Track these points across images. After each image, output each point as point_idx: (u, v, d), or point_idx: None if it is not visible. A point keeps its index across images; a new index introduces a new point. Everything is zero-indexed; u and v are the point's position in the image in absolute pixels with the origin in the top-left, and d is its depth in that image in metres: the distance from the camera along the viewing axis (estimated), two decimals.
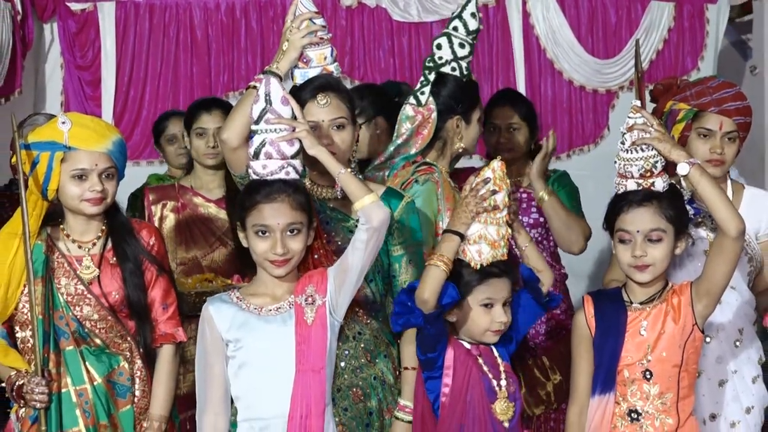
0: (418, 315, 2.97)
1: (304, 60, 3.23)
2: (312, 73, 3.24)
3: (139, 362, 3.24)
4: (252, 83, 3.20)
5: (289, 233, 2.97)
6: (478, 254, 3.01)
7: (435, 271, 2.96)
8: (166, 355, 3.29)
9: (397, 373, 3.27)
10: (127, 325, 3.24)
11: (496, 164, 3.02)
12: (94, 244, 3.25)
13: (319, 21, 3.22)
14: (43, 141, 3.17)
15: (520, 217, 4.10)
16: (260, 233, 2.98)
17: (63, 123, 3.15)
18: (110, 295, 3.21)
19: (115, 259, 3.24)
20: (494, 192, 3.00)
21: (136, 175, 5.24)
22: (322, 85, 3.22)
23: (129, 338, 3.24)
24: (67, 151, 3.14)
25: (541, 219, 4.21)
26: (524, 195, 4.28)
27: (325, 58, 3.24)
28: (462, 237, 3.01)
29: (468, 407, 3.02)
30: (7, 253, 3.18)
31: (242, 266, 3.94)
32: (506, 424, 3.03)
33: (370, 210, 2.94)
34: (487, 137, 4.39)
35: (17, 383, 3.12)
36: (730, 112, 3.45)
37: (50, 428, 3.13)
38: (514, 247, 3.19)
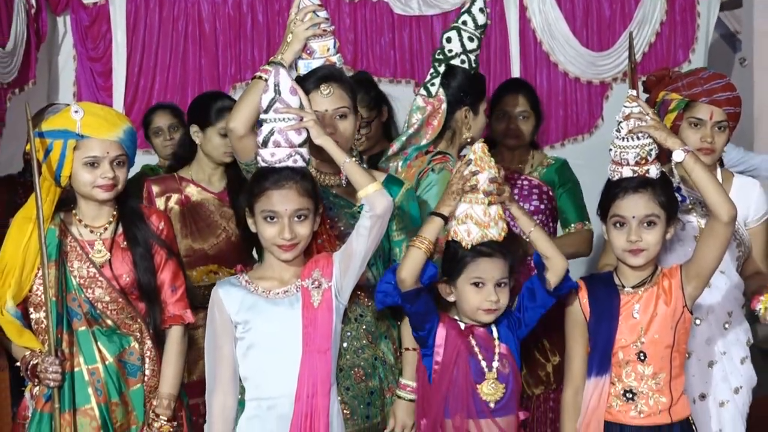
0: (394, 294, 3.00)
1: (308, 51, 3.23)
2: (315, 64, 3.24)
3: (149, 342, 3.25)
4: (258, 73, 3.20)
5: (296, 219, 2.98)
6: (467, 234, 3.03)
7: (415, 253, 2.98)
8: (174, 335, 3.29)
9: (398, 353, 3.28)
10: (137, 306, 3.25)
11: (478, 146, 3.04)
12: (106, 229, 3.25)
13: (323, 14, 3.22)
14: (56, 129, 3.17)
15: (521, 203, 4.11)
16: (269, 219, 2.98)
17: (76, 112, 3.15)
18: (121, 277, 3.22)
19: (125, 243, 3.24)
20: (475, 173, 3.01)
21: (147, 162, 5.29)
22: (325, 75, 3.22)
23: (139, 319, 3.24)
24: (79, 139, 3.14)
25: (542, 206, 4.21)
26: (525, 182, 4.26)
27: (328, 50, 3.24)
28: (445, 219, 3.02)
29: (453, 385, 3.04)
30: (22, 237, 3.18)
31: (245, 255, 3.96)
32: (492, 405, 3.04)
33: (373, 198, 2.94)
34: (495, 124, 4.37)
35: (32, 362, 3.13)
36: (720, 102, 3.44)
37: (63, 406, 3.13)
38: (520, 231, 3.19)
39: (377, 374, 3.22)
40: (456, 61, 3.63)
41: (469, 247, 3.02)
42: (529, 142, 4.42)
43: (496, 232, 3.03)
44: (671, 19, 7.25)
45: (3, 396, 3.56)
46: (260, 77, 3.17)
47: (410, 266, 2.98)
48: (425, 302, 3.04)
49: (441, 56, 3.65)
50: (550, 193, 4.26)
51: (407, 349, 3.26)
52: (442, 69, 3.63)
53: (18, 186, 4.60)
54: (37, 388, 3.18)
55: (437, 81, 3.61)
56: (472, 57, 3.64)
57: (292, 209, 2.97)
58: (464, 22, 3.64)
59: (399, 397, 3.22)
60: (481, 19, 3.64)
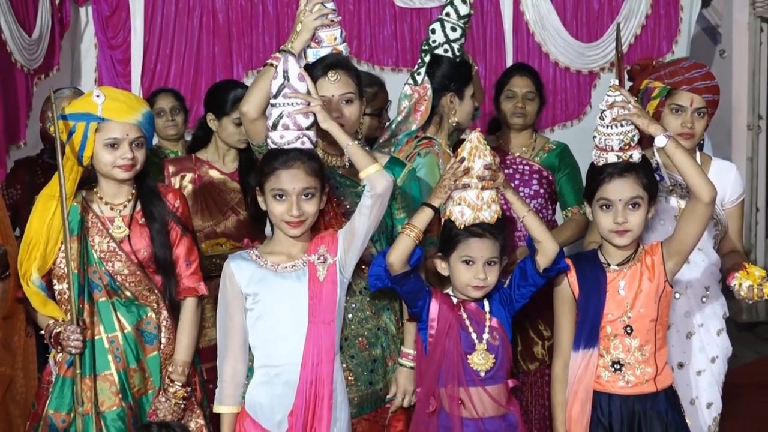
0: (385, 277, 3.00)
1: (316, 40, 3.22)
2: (323, 52, 3.23)
3: (165, 313, 3.25)
4: (268, 61, 3.20)
5: (304, 197, 2.99)
6: (461, 215, 3.03)
7: (404, 239, 2.98)
8: (189, 306, 3.29)
9: (400, 324, 3.29)
10: (154, 279, 3.25)
11: (474, 135, 3.04)
12: (125, 206, 3.25)
13: (330, 5, 3.20)
14: (79, 112, 3.16)
15: (520, 188, 4.10)
16: (278, 197, 2.99)
17: (97, 96, 3.14)
18: (139, 252, 3.22)
19: (143, 219, 3.24)
20: (467, 170, 3.01)
21: None
22: (332, 63, 3.21)
23: (156, 291, 3.24)
24: (101, 122, 3.13)
25: (541, 190, 4.18)
26: (527, 167, 4.22)
27: (335, 39, 3.22)
28: (435, 210, 3.02)
29: (445, 356, 3.04)
30: (46, 214, 3.18)
31: (253, 232, 3.96)
32: (482, 374, 3.04)
33: (374, 178, 2.95)
34: (504, 104, 4.33)
35: (55, 331, 3.13)
36: (700, 90, 3.43)
37: (84, 371, 3.14)
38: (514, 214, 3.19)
39: (380, 343, 3.22)
40: (440, 51, 3.62)
41: (463, 227, 3.03)
42: (533, 124, 4.40)
43: (488, 215, 3.03)
44: (656, 13, 7.25)
45: (30, 361, 3.56)
46: (271, 64, 3.17)
47: (399, 252, 2.98)
48: (414, 282, 3.05)
49: (426, 47, 3.65)
50: (550, 178, 4.23)
51: (408, 319, 3.26)
52: (427, 59, 3.62)
53: (37, 167, 4.59)
54: (60, 354, 3.19)
55: (423, 70, 3.61)
56: (456, 46, 3.63)
57: (300, 188, 2.98)
58: (447, 14, 3.64)
59: (401, 364, 3.22)
60: (463, 10, 3.63)
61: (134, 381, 3.19)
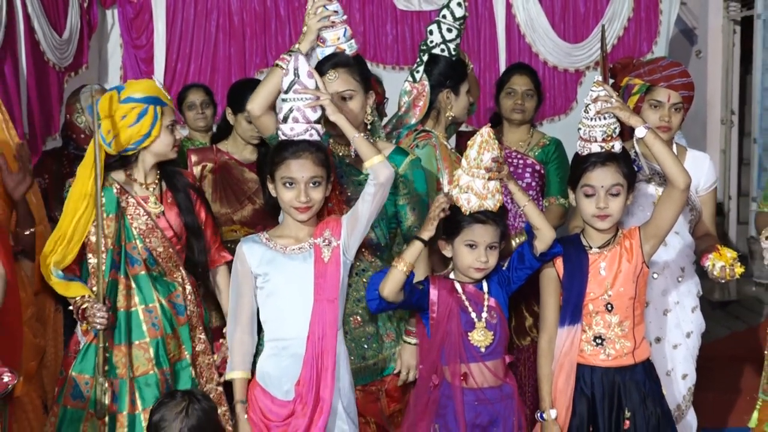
0: (384, 304, 3.00)
1: (321, 40, 3.20)
2: (328, 51, 3.21)
3: (189, 287, 3.27)
4: (277, 62, 3.19)
5: (311, 185, 2.98)
6: (467, 202, 3.01)
7: (396, 274, 2.95)
8: (223, 272, 3.35)
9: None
10: (180, 256, 3.27)
11: (485, 130, 3.01)
12: (155, 187, 3.27)
13: (332, 6, 3.18)
14: (152, 96, 3.18)
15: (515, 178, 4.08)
16: (288, 184, 2.99)
17: (160, 84, 3.21)
18: (173, 226, 3.25)
19: (171, 197, 3.27)
20: (449, 205, 3.00)
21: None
22: (333, 62, 3.20)
23: (181, 268, 3.27)
24: (164, 106, 3.18)
25: (533, 183, 4.17)
26: (521, 161, 4.20)
27: (338, 39, 3.20)
28: (425, 243, 2.99)
29: (447, 335, 3.04)
30: (76, 213, 3.18)
31: (267, 220, 3.95)
32: (482, 350, 3.04)
33: (377, 168, 2.94)
34: (504, 101, 4.32)
35: (81, 306, 3.14)
36: (677, 86, 3.42)
37: (120, 340, 3.17)
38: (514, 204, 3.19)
39: (374, 322, 3.22)
40: (437, 50, 3.59)
41: (468, 213, 3.02)
42: (530, 120, 4.39)
43: (491, 203, 3.02)
44: (637, 16, 7.23)
45: (58, 334, 3.57)
46: (278, 65, 3.16)
47: (391, 286, 2.96)
48: (411, 296, 3.03)
49: (424, 47, 3.62)
50: (542, 171, 4.22)
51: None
52: (425, 58, 3.60)
53: (63, 157, 4.58)
54: (87, 326, 3.19)
55: (421, 68, 3.58)
56: (452, 46, 3.60)
57: (308, 176, 2.97)
58: (444, 16, 3.61)
59: (405, 341, 3.21)
60: (458, 12, 3.60)
61: (171, 347, 3.21)
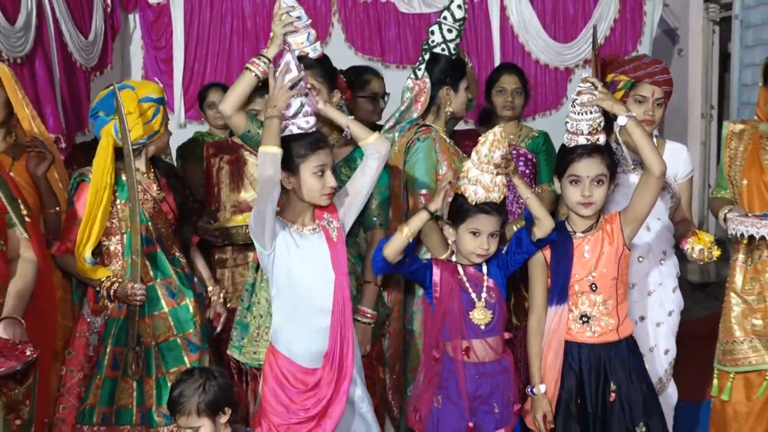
0: (387, 266, 3.02)
1: (287, 45, 3.15)
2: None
3: (184, 260, 3.45)
4: (247, 65, 3.16)
5: (331, 171, 2.99)
6: (474, 193, 3.02)
7: (398, 238, 2.98)
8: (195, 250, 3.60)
9: (360, 286, 3.30)
10: (176, 236, 3.45)
11: (498, 129, 3.02)
12: (152, 176, 3.41)
13: (295, 13, 3.11)
14: (163, 97, 3.37)
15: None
16: (319, 173, 2.96)
17: (160, 85, 3.42)
18: (172, 209, 3.41)
19: (165, 183, 3.43)
20: (451, 183, 3.03)
21: (198, 129, 5.32)
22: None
23: (176, 245, 3.44)
24: (164, 105, 3.36)
25: (527, 171, 4.20)
26: (514, 151, 4.21)
27: (302, 43, 3.14)
28: (431, 214, 3.02)
29: (448, 313, 3.06)
30: (97, 202, 3.24)
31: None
32: (483, 327, 3.05)
33: (377, 144, 2.98)
34: (495, 98, 4.38)
35: (113, 288, 3.22)
36: (660, 83, 3.43)
37: (144, 313, 3.27)
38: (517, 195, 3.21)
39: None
40: (438, 50, 3.58)
41: (474, 203, 3.03)
42: (519, 115, 4.43)
43: (496, 196, 3.03)
44: (623, 17, 7.21)
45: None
46: (249, 69, 3.15)
47: (393, 247, 2.98)
48: (411, 263, 3.06)
49: (426, 46, 3.61)
50: (534, 160, 4.25)
51: (367, 282, 3.28)
52: (427, 56, 3.58)
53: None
54: (111, 303, 3.29)
55: (423, 66, 3.57)
56: (452, 45, 3.59)
57: (332, 162, 3.00)
58: (444, 17, 3.59)
59: (356, 320, 3.18)
60: (458, 14, 3.59)
61: (194, 311, 3.34)
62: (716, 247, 3.19)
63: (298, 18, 3.14)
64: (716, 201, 3.51)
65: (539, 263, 3.12)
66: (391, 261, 2.99)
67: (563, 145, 3.10)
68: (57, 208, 3.37)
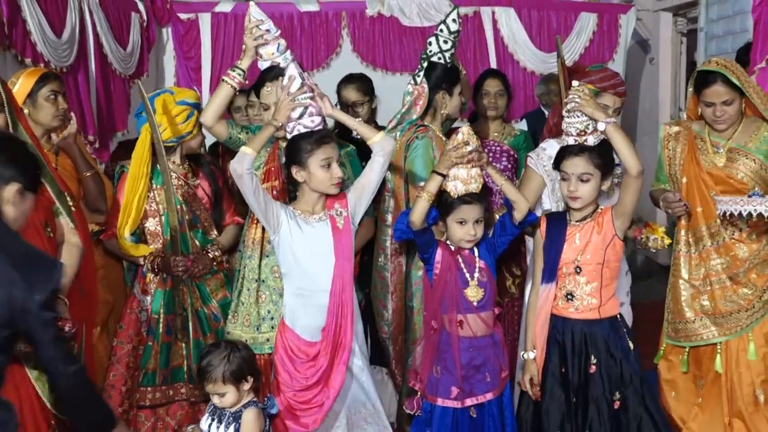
0: (408, 231, 3.03)
1: (258, 55, 3.10)
2: (265, 65, 3.13)
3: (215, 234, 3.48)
4: (224, 77, 3.14)
5: (336, 163, 2.99)
6: (455, 187, 3.03)
7: (420, 202, 3.01)
8: (231, 229, 3.53)
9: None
10: (212, 219, 3.46)
11: (465, 129, 3.03)
12: (187, 167, 3.43)
13: (264, 26, 3.04)
14: (198, 102, 3.39)
15: (493, 163, 4.08)
16: (327, 165, 2.96)
17: (196, 91, 3.48)
18: (207, 194, 3.43)
19: (200, 172, 3.45)
20: (467, 144, 3.00)
21: None
22: (270, 77, 3.21)
23: (213, 227, 3.45)
24: (198, 110, 3.36)
25: (509, 165, 4.19)
26: (498, 148, 4.22)
27: (273, 54, 3.06)
28: (444, 176, 3.02)
29: (446, 288, 3.07)
30: (135, 190, 3.27)
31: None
32: (475, 303, 3.07)
33: (383, 142, 2.98)
34: (479, 101, 4.39)
35: (156, 261, 3.29)
36: (621, 93, 3.43)
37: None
38: (492, 183, 3.21)
39: None
40: (435, 58, 3.57)
41: (456, 196, 3.03)
42: (502, 115, 4.41)
43: (475, 187, 3.04)
44: (600, 30, 7.19)
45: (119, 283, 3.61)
46: (225, 81, 3.12)
47: (418, 212, 3.00)
48: (429, 235, 3.08)
49: (424, 55, 3.60)
50: (516, 156, 4.24)
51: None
52: (425, 64, 3.58)
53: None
54: (157, 276, 3.34)
55: (421, 73, 3.57)
56: (447, 55, 3.58)
57: (337, 154, 3.00)
58: (441, 30, 3.59)
59: None
60: (453, 27, 3.58)
61: (214, 286, 3.40)
62: (668, 236, 3.21)
63: (267, 31, 3.06)
64: (657, 192, 3.49)
65: (540, 245, 3.12)
66: (418, 226, 2.99)
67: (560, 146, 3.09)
68: (93, 171, 3.38)
